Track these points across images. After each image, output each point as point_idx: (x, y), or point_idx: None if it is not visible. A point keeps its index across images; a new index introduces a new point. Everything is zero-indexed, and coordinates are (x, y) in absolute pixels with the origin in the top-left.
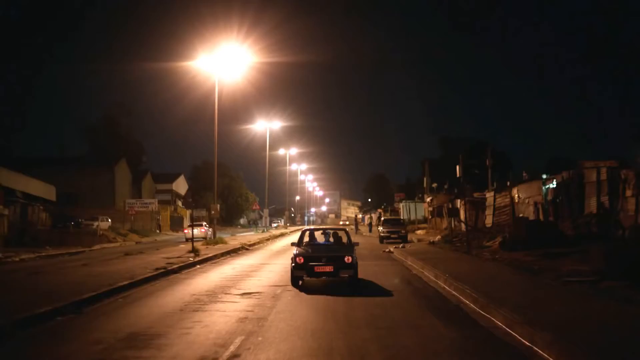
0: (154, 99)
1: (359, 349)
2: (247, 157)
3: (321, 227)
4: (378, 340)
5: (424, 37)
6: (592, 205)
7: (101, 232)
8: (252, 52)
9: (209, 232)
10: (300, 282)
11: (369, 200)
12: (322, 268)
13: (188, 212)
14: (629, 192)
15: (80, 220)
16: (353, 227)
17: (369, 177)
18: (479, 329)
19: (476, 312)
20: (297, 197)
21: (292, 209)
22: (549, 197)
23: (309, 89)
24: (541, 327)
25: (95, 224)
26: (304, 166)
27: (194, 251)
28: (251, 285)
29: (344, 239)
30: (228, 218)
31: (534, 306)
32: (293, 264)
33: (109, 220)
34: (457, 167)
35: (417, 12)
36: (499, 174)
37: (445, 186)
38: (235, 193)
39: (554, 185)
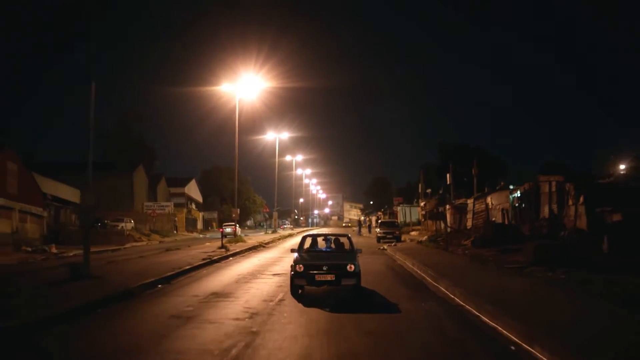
0: (183, 117)
1: (351, 297)
2: (256, 161)
3: (322, 232)
4: (365, 295)
5: (424, 50)
6: (545, 211)
7: (127, 233)
8: (266, 79)
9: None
10: (300, 291)
11: (371, 202)
12: (323, 277)
13: (201, 214)
14: (570, 202)
15: (106, 221)
16: (356, 228)
17: (371, 181)
18: (428, 290)
19: (431, 283)
20: (301, 200)
21: (296, 211)
22: (515, 204)
23: (316, 104)
24: (460, 286)
25: (120, 225)
26: (308, 171)
27: (224, 247)
28: (277, 269)
29: (347, 245)
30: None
31: (465, 279)
32: (292, 272)
33: (132, 221)
34: (448, 175)
35: (418, 33)
36: (490, 179)
37: (440, 191)
38: (243, 196)
39: (518, 195)
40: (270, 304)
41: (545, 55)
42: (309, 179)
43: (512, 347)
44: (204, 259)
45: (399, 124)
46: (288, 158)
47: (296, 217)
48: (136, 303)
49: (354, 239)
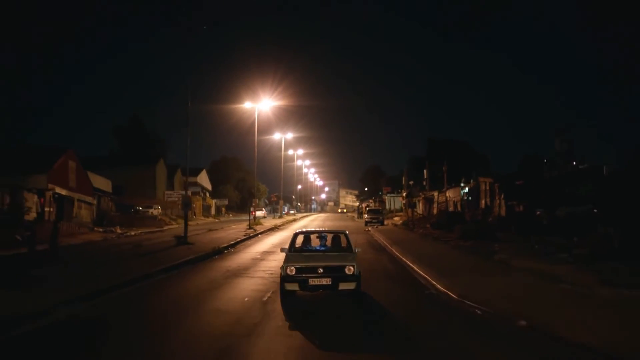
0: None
1: None
2: (262, 155)
3: (317, 229)
4: None
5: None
6: (482, 203)
7: (159, 217)
8: (277, 98)
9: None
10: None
11: (366, 189)
12: (318, 280)
13: (214, 201)
14: (497, 197)
15: (139, 208)
16: (351, 214)
17: (366, 168)
18: (385, 251)
19: (388, 247)
20: (299, 187)
21: (294, 197)
22: (465, 197)
23: (317, 107)
24: (401, 248)
25: (150, 211)
26: (307, 162)
27: (252, 228)
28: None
29: (344, 243)
30: (242, 205)
31: (407, 245)
32: (283, 275)
33: (159, 208)
34: (425, 171)
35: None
36: (473, 171)
37: (424, 183)
38: (248, 184)
39: (467, 190)
40: None
41: (520, 61)
42: (307, 168)
43: (406, 267)
44: (244, 235)
45: (395, 119)
46: (290, 152)
47: (296, 203)
48: (227, 255)
49: (349, 223)
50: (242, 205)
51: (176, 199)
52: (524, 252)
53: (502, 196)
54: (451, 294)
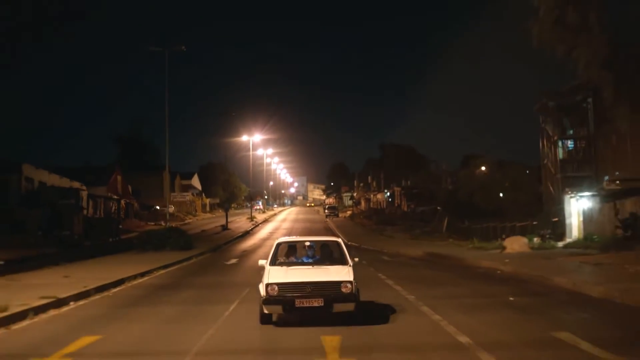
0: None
1: (310, 229)
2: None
3: (302, 238)
4: (311, 227)
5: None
6: (396, 203)
7: (176, 214)
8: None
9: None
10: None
11: (332, 184)
12: (307, 301)
13: (208, 200)
14: (403, 200)
15: (157, 207)
16: (319, 208)
17: (332, 165)
18: (331, 231)
19: (334, 229)
20: (271, 183)
21: (265, 192)
22: (388, 199)
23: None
24: (340, 231)
25: (166, 209)
26: (281, 166)
27: (253, 220)
28: (285, 226)
29: (337, 254)
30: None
31: (344, 228)
32: (263, 296)
33: (172, 206)
34: (369, 177)
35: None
36: (415, 172)
37: (374, 183)
38: (231, 185)
39: (388, 194)
40: (292, 229)
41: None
42: (280, 170)
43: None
44: (252, 224)
45: (358, 124)
46: (268, 161)
47: (266, 197)
48: (253, 233)
49: (315, 217)
50: (226, 202)
51: (182, 199)
52: (400, 230)
53: (405, 199)
54: (348, 242)
